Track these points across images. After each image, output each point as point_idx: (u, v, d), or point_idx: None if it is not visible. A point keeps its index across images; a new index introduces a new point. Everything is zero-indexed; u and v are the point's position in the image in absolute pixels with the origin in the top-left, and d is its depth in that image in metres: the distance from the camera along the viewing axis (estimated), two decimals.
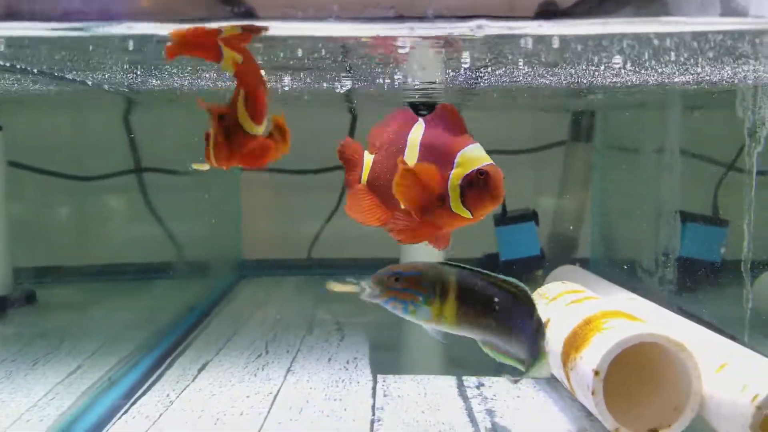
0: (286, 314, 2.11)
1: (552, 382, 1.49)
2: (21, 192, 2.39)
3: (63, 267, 2.43)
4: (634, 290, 1.71)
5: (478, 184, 0.95)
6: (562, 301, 1.49)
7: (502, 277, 1.05)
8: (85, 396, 1.43)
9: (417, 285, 1.00)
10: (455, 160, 0.98)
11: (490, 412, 1.36)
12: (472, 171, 0.95)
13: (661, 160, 2.18)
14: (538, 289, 1.62)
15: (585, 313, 1.36)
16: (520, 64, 1.26)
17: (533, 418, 1.34)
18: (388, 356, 1.81)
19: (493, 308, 1.03)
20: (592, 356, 1.21)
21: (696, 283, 2.13)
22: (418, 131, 1.03)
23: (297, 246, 2.76)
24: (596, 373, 1.18)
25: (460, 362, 1.76)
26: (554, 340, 1.39)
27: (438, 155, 0.99)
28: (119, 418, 1.34)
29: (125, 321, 2.04)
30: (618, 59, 1.26)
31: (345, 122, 2.68)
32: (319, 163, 2.71)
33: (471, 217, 0.97)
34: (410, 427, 1.29)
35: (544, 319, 1.49)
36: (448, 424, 1.30)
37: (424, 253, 2.28)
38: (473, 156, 0.97)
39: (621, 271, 2.31)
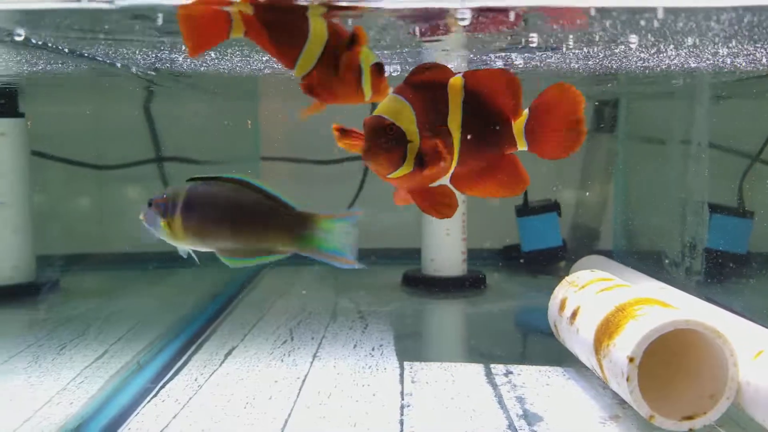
0: (308, 303, 2.11)
1: (581, 371, 1.48)
2: (44, 181, 2.41)
3: (87, 255, 2.44)
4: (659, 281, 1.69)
5: None
6: (592, 289, 1.47)
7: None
8: (114, 379, 1.44)
9: (156, 205, 1.04)
10: None
11: (520, 399, 1.35)
12: None
13: (688, 151, 2.15)
14: (567, 277, 1.61)
15: (617, 300, 1.34)
16: (571, 42, 1.24)
17: (564, 405, 1.33)
18: (413, 344, 1.81)
19: (223, 213, 1.03)
20: (626, 343, 1.20)
21: (723, 274, 2.11)
22: None
23: None
24: (631, 359, 1.17)
25: (484, 351, 1.75)
26: (585, 328, 1.38)
27: None
28: (149, 401, 1.34)
29: (150, 308, 2.05)
30: (634, 38, 1.25)
31: (365, 112, 2.67)
32: (339, 153, 2.71)
33: None
34: (440, 413, 1.28)
35: (573, 307, 1.49)
36: (478, 411, 1.29)
37: (445, 242, 2.27)
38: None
39: (644, 262, 2.29)
